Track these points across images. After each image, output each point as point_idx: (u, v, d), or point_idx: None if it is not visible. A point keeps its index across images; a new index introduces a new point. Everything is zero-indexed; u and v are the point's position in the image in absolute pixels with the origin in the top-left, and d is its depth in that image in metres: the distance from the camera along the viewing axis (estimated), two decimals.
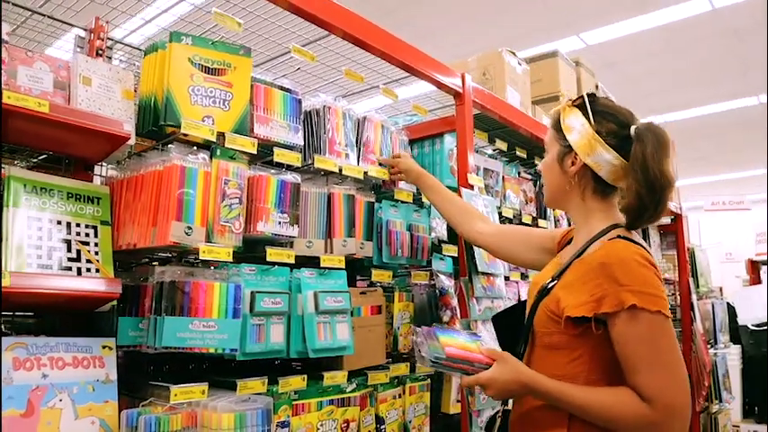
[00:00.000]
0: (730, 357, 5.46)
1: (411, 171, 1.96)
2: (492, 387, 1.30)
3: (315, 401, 1.62)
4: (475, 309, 2.03)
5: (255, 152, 1.56)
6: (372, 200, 1.94)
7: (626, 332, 1.21)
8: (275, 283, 1.59)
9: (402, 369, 1.94)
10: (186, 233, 1.38)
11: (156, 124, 1.47)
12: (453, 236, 2.20)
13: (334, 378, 1.68)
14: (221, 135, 1.50)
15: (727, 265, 9.21)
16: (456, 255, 2.18)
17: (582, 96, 1.41)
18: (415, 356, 2.01)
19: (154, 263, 1.69)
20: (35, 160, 1.55)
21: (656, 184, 1.28)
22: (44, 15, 1.62)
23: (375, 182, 2.01)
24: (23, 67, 1.34)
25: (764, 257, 6.72)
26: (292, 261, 1.61)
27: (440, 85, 2.18)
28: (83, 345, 1.31)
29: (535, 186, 2.90)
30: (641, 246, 1.31)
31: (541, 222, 2.84)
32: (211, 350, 1.39)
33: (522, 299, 2.17)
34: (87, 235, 1.37)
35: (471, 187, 2.18)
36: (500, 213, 2.51)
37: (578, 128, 1.38)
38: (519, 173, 2.82)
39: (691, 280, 4.21)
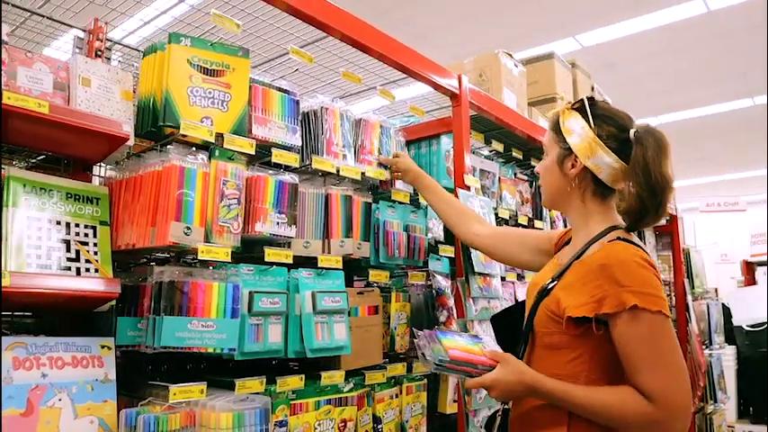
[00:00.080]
0: (725, 358, 5.50)
1: (409, 171, 1.97)
2: (496, 388, 1.32)
3: (312, 401, 1.63)
4: (471, 309, 2.04)
5: (254, 153, 1.57)
6: (370, 200, 1.95)
7: (627, 332, 1.23)
8: (273, 284, 1.60)
9: (399, 369, 1.95)
10: (185, 233, 1.39)
11: (155, 125, 1.47)
12: (450, 236, 2.21)
13: (331, 378, 1.68)
14: (220, 136, 1.51)
15: (723, 266, 9.24)
16: (453, 255, 2.19)
17: (581, 100, 1.43)
18: (413, 357, 2.02)
19: (152, 263, 1.70)
20: (34, 160, 1.56)
21: (658, 186, 1.30)
22: (43, 16, 1.63)
23: (372, 182, 2.02)
24: (23, 67, 1.34)
25: (759, 258, 6.75)
26: (290, 261, 1.62)
27: (436, 87, 2.19)
28: (82, 344, 1.31)
29: (531, 187, 2.91)
30: (640, 247, 1.32)
31: (537, 223, 2.85)
32: (210, 350, 1.39)
33: (519, 299, 2.18)
34: (86, 235, 1.38)
35: (468, 188, 2.19)
36: (496, 214, 2.52)
37: (578, 131, 1.40)
38: (515, 174, 2.83)
39: (686, 281, 4.24)
